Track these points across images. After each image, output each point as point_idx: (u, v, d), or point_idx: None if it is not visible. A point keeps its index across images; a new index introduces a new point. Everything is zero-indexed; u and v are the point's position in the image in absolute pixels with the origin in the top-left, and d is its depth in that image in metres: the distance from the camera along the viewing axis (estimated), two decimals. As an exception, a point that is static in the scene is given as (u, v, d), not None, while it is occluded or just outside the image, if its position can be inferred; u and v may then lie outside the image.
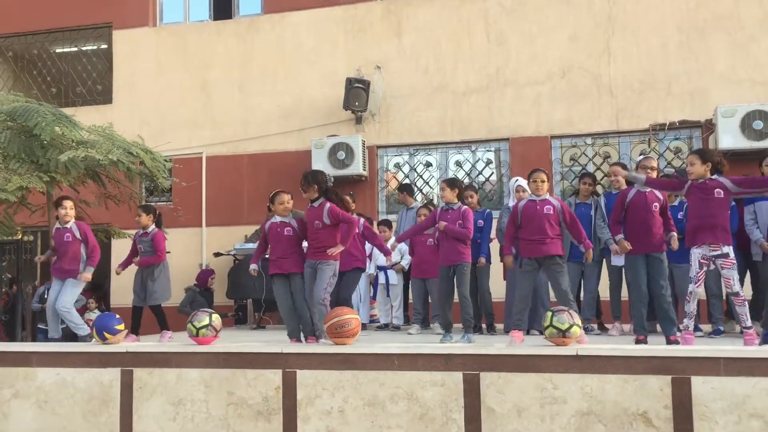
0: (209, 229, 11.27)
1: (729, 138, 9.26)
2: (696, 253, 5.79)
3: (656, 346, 5.57)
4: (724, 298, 6.93)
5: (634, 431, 5.04)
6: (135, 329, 7.11)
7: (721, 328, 7.33)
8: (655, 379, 5.04)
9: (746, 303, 5.78)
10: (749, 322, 5.78)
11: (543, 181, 6.25)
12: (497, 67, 10.62)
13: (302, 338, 6.50)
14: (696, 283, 5.81)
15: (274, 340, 6.79)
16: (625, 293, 7.60)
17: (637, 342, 6.20)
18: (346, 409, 5.51)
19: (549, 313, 5.37)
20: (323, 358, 5.65)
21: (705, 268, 5.80)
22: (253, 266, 6.75)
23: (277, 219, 6.60)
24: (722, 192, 5.77)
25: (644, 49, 10.05)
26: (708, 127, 9.71)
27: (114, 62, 12.08)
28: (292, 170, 10.90)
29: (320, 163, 10.56)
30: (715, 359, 4.98)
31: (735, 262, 5.78)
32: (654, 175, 6.48)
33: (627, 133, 10.14)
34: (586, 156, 10.30)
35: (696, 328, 7.33)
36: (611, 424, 5.07)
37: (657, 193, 6.32)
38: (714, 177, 5.85)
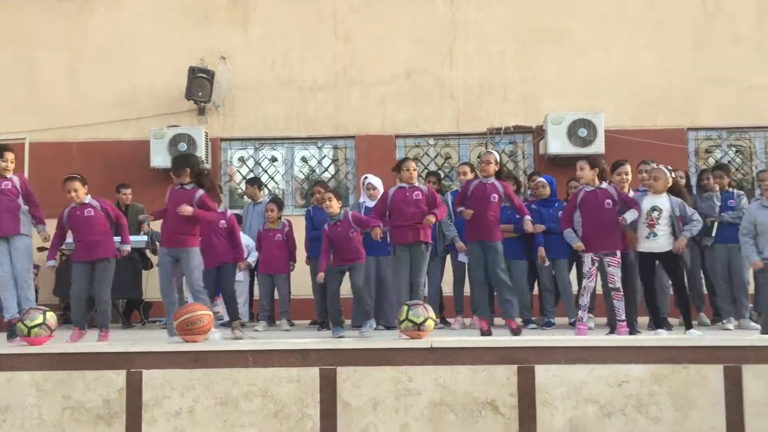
0: (32, 222, 10.35)
1: (557, 144, 9.91)
2: (588, 255, 6.22)
3: (503, 338, 5.86)
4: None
5: (483, 419, 5.26)
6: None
7: (552, 321, 7.86)
8: (503, 369, 5.30)
9: (622, 298, 6.20)
10: (623, 316, 6.18)
11: (415, 169, 6.66)
12: (344, 65, 10.67)
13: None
14: (589, 278, 6.21)
15: (115, 340, 6.36)
16: (467, 289, 7.95)
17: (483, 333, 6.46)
18: (197, 409, 5.29)
19: (405, 307, 5.48)
20: (172, 356, 5.40)
21: (596, 265, 6.22)
22: (50, 263, 6.56)
23: (75, 204, 6.40)
24: (611, 203, 6.22)
25: (484, 56, 10.51)
26: (539, 132, 10.35)
27: None
28: (129, 161, 10.35)
29: (160, 154, 10.06)
30: (556, 348, 5.32)
31: (620, 261, 6.21)
32: (491, 168, 6.72)
33: (466, 136, 10.57)
34: (429, 156, 10.62)
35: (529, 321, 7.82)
36: (462, 413, 5.26)
37: (497, 185, 6.66)
38: (604, 186, 6.28)
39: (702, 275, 7.91)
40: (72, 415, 5.29)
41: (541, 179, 8.03)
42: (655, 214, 6.26)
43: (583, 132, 9.83)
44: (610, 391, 5.21)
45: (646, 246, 6.28)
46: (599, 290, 6.56)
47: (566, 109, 10.03)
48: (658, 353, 5.24)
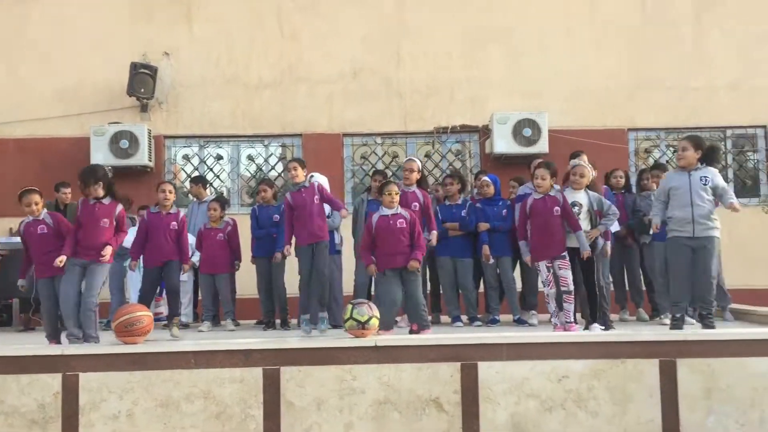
0: (-34, 221, 10.00)
1: (503, 143, 10.02)
2: (542, 264, 6.33)
3: (447, 335, 5.90)
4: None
5: (427, 416, 5.29)
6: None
7: (497, 318, 7.95)
8: (446, 366, 5.34)
9: (573, 302, 6.32)
10: (572, 319, 6.32)
11: (397, 194, 6.45)
12: (290, 62, 10.59)
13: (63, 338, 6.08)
14: (549, 285, 6.29)
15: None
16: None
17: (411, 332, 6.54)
18: (136, 412, 5.19)
19: (349, 306, 5.47)
20: (110, 358, 5.28)
21: (552, 271, 6.30)
22: (20, 282, 6.36)
23: (30, 218, 6.19)
24: (559, 210, 6.30)
25: (431, 55, 10.56)
26: (485, 132, 10.46)
27: None
28: (69, 158, 10.03)
29: (100, 152, 9.82)
30: (499, 345, 5.39)
31: (570, 263, 6.30)
32: (414, 176, 6.89)
33: (414, 135, 10.61)
34: (376, 155, 10.63)
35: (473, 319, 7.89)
36: (406, 411, 5.28)
37: (418, 193, 6.65)
38: (552, 194, 6.36)
39: (641, 272, 8.11)
40: (5, 420, 5.13)
41: (486, 178, 8.11)
42: (576, 209, 6.41)
43: (527, 132, 9.96)
44: (550, 386, 5.29)
45: (568, 241, 6.39)
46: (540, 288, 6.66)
47: (512, 109, 10.15)
48: (597, 348, 5.35)
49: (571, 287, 6.28)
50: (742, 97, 10.42)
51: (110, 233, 6.09)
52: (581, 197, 6.48)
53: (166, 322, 8.55)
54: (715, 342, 5.41)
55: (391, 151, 10.65)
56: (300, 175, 6.83)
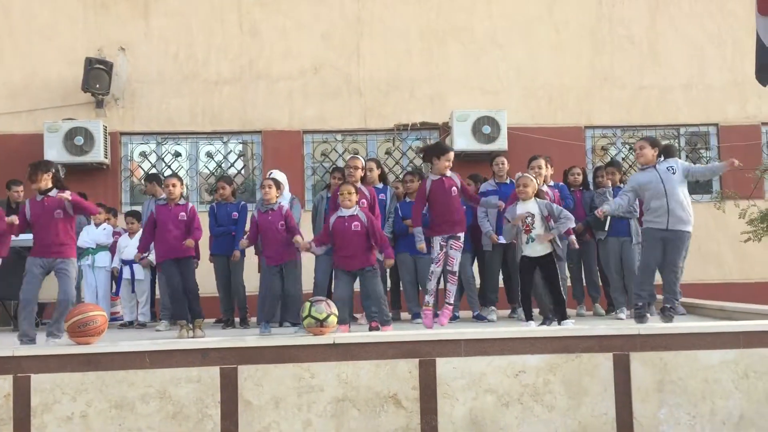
0: None
1: (463, 140, 10.08)
2: (436, 239, 6.45)
3: (405, 332, 5.91)
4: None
5: (385, 413, 5.30)
6: None
7: (457, 314, 7.98)
8: (405, 363, 5.36)
9: (456, 282, 6.56)
10: (452, 299, 6.59)
11: (350, 193, 6.37)
12: (250, 59, 10.51)
13: None
14: (437, 263, 6.42)
15: (5, 342, 6.06)
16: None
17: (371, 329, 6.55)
18: (90, 414, 5.10)
19: (308, 304, 5.45)
20: (63, 359, 5.18)
21: (444, 250, 6.44)
22: None
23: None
24: (456, 190, 6.46)
25: (391, 53, 10.58)
26: (445, 129, 10.51)
27: None
28: (21, 155, 9.78)
29: (54, 148, 9.64)
30: (457, 341, 5.42)
31: (462, 245, 6.51)
32: (358, 174, 6.92)
33: (374, 132, 10.62)
34: (336, 152, 10.61)
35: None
36: (364, 408, 5.29)
37: (364, 190, 6.72)
38: (448, 174, 6.48)
39: (597, 268, 8.24)
40: (-46, 424, 5.01)
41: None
42: (529, 219, 6.48)
43: (487, 129, 10.04)
44: (507, 381, 5.35)
45: (527, 251, 6.51)
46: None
47: (471, 107, 10.22)
48: (553, 343, 5.41)
49: (456, 268, 6.47)
50: (695, 96, 10.66)
51: (65, 225, 5.98)
52: (531, 207, 6.54)
53: (123, 322, 8.49)
54: (667, 335, 5.51)
55: (351, 149, 10.64)
56: (272, 195, 6.86)
